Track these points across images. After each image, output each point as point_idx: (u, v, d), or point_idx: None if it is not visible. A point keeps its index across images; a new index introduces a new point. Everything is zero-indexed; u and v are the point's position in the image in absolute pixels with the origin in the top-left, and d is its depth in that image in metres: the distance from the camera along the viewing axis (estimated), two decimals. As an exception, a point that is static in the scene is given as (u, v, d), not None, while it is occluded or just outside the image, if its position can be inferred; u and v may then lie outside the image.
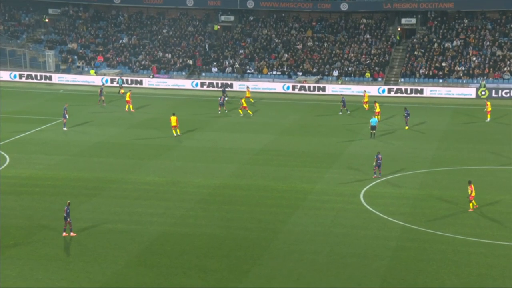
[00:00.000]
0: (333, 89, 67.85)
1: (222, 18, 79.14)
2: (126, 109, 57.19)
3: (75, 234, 32.04)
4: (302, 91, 67.79)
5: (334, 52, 73.38)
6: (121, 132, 51.48)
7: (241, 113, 56.44)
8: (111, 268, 28.88)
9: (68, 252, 30.51)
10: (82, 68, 74.38)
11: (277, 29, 77.64)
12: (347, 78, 70.39)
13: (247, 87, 63.97)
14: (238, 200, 37.29)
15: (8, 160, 43.35)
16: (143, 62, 74.58)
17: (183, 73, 73.41)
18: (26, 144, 47.38)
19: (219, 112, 57.35)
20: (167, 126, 51.67)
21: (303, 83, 68.71)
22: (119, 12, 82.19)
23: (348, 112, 57.98)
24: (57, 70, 74.03)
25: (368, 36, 74.86)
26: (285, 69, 72.07)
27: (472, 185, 35.19)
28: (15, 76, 71.68)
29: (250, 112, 56.79)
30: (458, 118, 57.21)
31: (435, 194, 38.35)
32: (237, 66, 72.62)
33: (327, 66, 71.78)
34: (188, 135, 50.81)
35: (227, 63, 73.81)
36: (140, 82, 70.52)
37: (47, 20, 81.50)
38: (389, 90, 67.29)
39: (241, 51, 75.11)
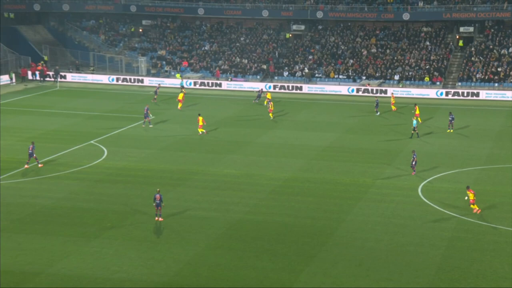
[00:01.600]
0: (394, 91, 66.63)
1: (294, 27, 79.04)
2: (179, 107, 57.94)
3: (162, 219, 32.79)
4: (366, 94, 66.97)
5: (395, 58, 72.08)
6: (191, 130, 52.13)
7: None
8: (193, 250, 29.41)
9: (157, 234, 31.24)
10: (170, 72, 75.83)
11: (344, 37, 76.92)
12: (408, 82, 69.02)
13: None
14: (306, 192, 37.25)
15: (106, 153, 44.69)
16: (222, 67, 75.35)
17: (258, 77, 73.74)
18: (121, 139, 48.71)
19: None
20: (242, 124, 52.11)
21: (366, 86, 67.82)
22: (202, 22, 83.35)
23: (378, 113, 56.59)
24: (148, 74, 75.74)
25: (428, 43, 73.15)
26: (350, 74, 71.33)
27: (471, 190, 33.30)
28: (113, 80, 73.75)
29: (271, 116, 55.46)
30: (512, 119, 55.16)
31: (489, 189, 37.20)
32: (306, 70, 72.42)
33: (389, 70, 70.58)
34: (261, 132, 51.05)
35: (297, 67, 73.68)
36: (220, 85, 71.24)
37: (140, 30, 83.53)
38: (447, 93, 65.56)
39: (310, 57, 74.81)
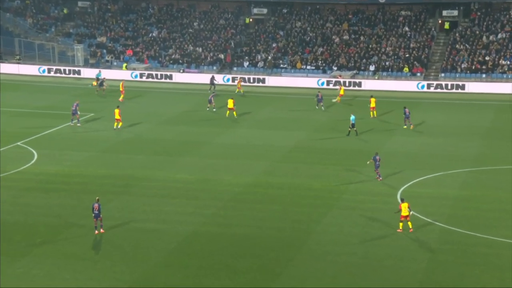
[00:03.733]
0: (369, 84, 67.42)
1: (255, 10, 79.17)
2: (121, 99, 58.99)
3: (103, 231, 32.36)
4: (337, 86, 67.45)
5: (370, 46, 72.87)
6: (150, 128, 51.82)
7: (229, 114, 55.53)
8: (140, 268, 29.10)
9: (96, 251, 30.81)
10: (111, 62, 75.05)
11: (312, 22, 77.37)
12: (384, 73, 69.85)
13: (240, 78, 66.58)
14: (270, 199, 37.28)
15: (36, 156, 43.95)
16: (173, 56, 74.98)
17: (214, 68, 73.62)
18: (54, 140, 47.98)
19: (207, 109, 56.80)
20: (197, 122, 51.95)
21: (338, 78, 68.36)
22: (149, 5, 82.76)
23: (323, 109, 57.51)
24: (86, 64, 74.82)
25: (406, 29, 74.17)
26: (319, 64, 71.79)
27: (405, 204, 32.61)
28: (43, 71, 72.63)
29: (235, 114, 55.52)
30: (502, 115, 56.32)
31: (477, 194, 37.85)
32: (269, 60, 72.59)
33: (364, 60, 71.31)
34: (219, 131, 50.93)
35: (259, 57, 73.81)
36: (170, 77, 70.88)
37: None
38: (429, 86, 66.55)
39: (274, 45, 75.04)
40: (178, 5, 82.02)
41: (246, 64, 73.56)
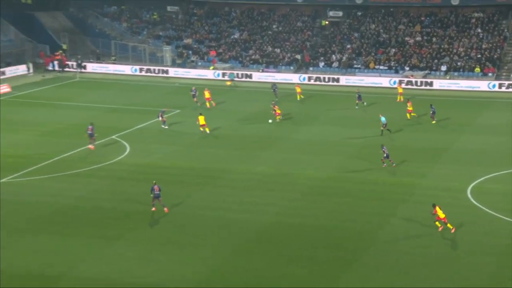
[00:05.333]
0: (440, 84, 66.02)
1: (331, 13, 78.64)
2: (208, 105, 56.51)
3: (167, 211, 33.49)
4: (409, 86, 66.33)
5: (442, 47, 71.22)
6: (231, 124, 52.34)
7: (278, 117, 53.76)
8: (221, 254, 29.51)
9: (183, 237, 31.33)
10: (196, 62, 76.13)
11: (385, 24, 76.26)
12: (456, 73, 68.17)
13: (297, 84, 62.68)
14: (344, 192, 37.07)
15: (128, 149, 45.10)
16: (253, 57, 75.40)
17: (291, 68, 73.61)
18: (145, 134, 49.07)
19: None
20: (275, 118, 52.26)
21: (410, 77, 67.17)
22: (231, 9, 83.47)
23: (365, 104, 56.54)
24: (173, 64, 76.18)
25: (479, 30, 72.10)
26: (392, 64, 70.72)
27: (437, 207, 31.51)
28: (135, 70, 74.37)
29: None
30: None
31: (548, 192, 36.54)
32: (344, 60, 72.02)
33: (435, 61, 69.79)
34: (296, 128, 50.98)
35: (334, 57, 73.34)
36: (250, 76, 71.31)
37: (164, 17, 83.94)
38: (500, 85, 64.50)
39: (349, 46, 74.38)
40: (259, 9, 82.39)
41: (321, 64, 73.21)
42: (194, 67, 74.85)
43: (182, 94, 62.40)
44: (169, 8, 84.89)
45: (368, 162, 42.17)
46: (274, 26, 79.56)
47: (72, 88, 66.70)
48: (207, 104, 56.44)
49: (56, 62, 74.71)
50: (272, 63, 74.24)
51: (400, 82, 65.53)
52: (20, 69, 72.28)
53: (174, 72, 73.15)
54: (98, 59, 77.54)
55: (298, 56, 74.42)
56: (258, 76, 71.04)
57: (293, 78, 69.97)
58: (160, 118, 50.19)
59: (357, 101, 56.80)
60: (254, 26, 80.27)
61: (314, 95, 63.04)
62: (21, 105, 58.47)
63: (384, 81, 67.33)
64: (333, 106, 57.97)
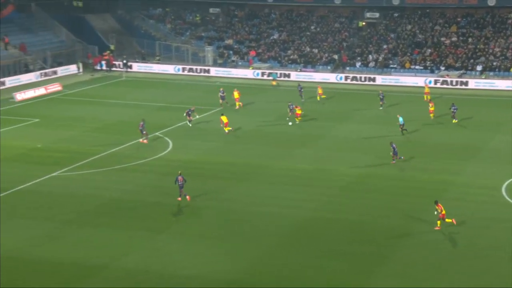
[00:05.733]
0: (476, 83, 64.92)
1: (368, 15, 77.98)
2: (237, 106, 55.75)
3: (189, 199, 34.26)
4: (445, 85, 65.36)
5: (478, 47, 69.96)
6: (270, 121, 52.32)
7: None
8: (260, 247, 29.56)
9: (224, 230, 31.51)
10: (236, 62, 76.34)
11: (421, 25, 75.28)
12: (491, 73, 66.90)
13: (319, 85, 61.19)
14: (380, 189, 36.77)
15: (171, 145, 45.52)
16: (291, 57, 75.26)
17: (328, 67, 73.26)
18: (187, 131, 49.43)
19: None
20: (312, 117, 52.04)
21: (445, 77, 66.18)
22: (271, 10, 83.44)
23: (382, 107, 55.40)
24: (215, 64, 76.54)
25: (515, 31, 70.63)
26: (427, 64, 69.77)
27: (440, 204, 31.04)
28: (178, 70, 74.95)
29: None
30: None
31: None
32: (380, 60, 71.35)
33: (471, 60, 68.60)
34: (333, 125, 50.74)
35: (370, 57, 72.72)
36: (288, 76, 71.20)
37: (207, 18, 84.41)
38: (535, 85, 63.12)
39: (385, 46, 73.64)
40: (298, 10, 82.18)
41: (358, 64, 72.67)
42: (235, 66, 75.06)
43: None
44: (211, 10, 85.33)
45: (408, 157, 41.72)
46: (312, 27, 79.25)
47: (119, 86, 67.61)
48: (236, 104, 55.68)
49: (104, 62, 75.77)
50: (309, 63, 73.99)
51: (436, 82, 64.62)
52: (71, 69, 73.52)
53: (215, 71, 73.50)
54: (143, 59, 78.39)
55: (336, 56, 74.00)
56: (296, 75, 70.85)
57: (330, 77, 69.62)
58: (188, 116, 49.73)
59: (380, 102, 55.85)
60: (293, 27, 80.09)
61: (351, 94, 62.63)
62: (71, 102, 59.51)
63: (420, 80, 66.46)
64: (369, 105, 57.47)
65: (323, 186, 37.24)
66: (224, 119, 47.93)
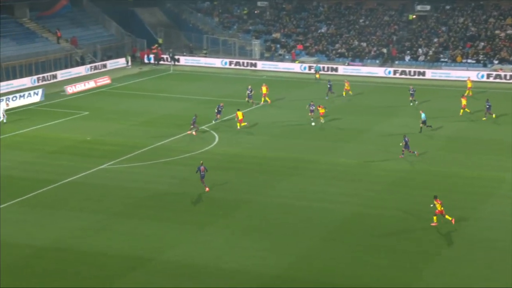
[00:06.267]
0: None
1: (418, 7, 76.69)
2: (262, 101, 54.98)
3: (208, 189, 34.83)
4: (498, 80, 63.70)
5: (533, 40, 67.97)
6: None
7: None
8: (306, 242, 29.39)
9: (269, 224, 31.42)
10: (284, 56, 76.07)
11: (474, 17, 73.51)
12: (547, 67, 64.96)
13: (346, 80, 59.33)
14: (427, 185, 36.09)
15: (217, 139, 45.66)
16: (339, 50, 74.56)
17: (377, 61, 72.31)
18: (233, 125, 49.46)
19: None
20: (359, 111, 51.44)
21: (498, 71, 64.48)
22: (319, 4, 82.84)
23: (416, 102, 53.80)
24: (262, 57, 76.45)
25: None
26: (480, 58, 68.11)
27: (439, 200, 30.39)
28: (225, 63, 75.17)
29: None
30: None
31: None
32: (431, 54, 70.01)
33: (526, 54, 66.73)
34: (380, 120, 50.05)
35: (420, 51, 71.43)
36: (336, 69, 70.57)
37: (255, 11, 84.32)
38: None
39: (436, 40, 72.22)
40: (346, 3, 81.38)
41: (407, 58, 71.50)
42: (282, 60, 74.82)
43: (269, 86, 62.50)
44: (259, 3, 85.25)
45: (454, 154, 40.87)
46: (361, 20, 78.36)
47: (167, 80, 68.23)
48: (262, 100, 54.72)
49: (152, 56, 76.53)
50: (358, 56, 73.19)
51: (489, 76, 63.05)
52: (120, 62, 74.54)
53: (262, 65, 73.42)
54: (191, 52, 78.89)
55: (384, 50, 72.98)
56: (344, 69, 70.17)
57: (379, 71, 68.74)
58: (217, 113, 48.64)
59: (410, 98, 54.40)
60: (341, 20, 79.34)
61: (399, 88, 61.66)
62: (120, 96, 60.34)
63: (472, 74, 64.91)
64: (417, 99, 56.44)
65: (369, 181, 36.79)
66: (239, 114, 47.05)
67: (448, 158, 40.47)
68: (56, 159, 41.02)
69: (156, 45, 78.27)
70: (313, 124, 48.10)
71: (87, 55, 72.83)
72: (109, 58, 74.85)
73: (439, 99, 57.12)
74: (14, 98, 55.39)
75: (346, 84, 57.82)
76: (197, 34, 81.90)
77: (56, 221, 31.54)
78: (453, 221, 30.48)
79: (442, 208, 30.44)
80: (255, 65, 73.88)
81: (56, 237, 29.73)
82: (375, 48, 73.67)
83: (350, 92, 57.75)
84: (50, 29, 72.79)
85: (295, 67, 71.93)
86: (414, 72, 67.40)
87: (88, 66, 70.43)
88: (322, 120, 48.33)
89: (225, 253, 28.36)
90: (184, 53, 78.35)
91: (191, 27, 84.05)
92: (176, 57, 76.12)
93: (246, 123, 47.71)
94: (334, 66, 70.93)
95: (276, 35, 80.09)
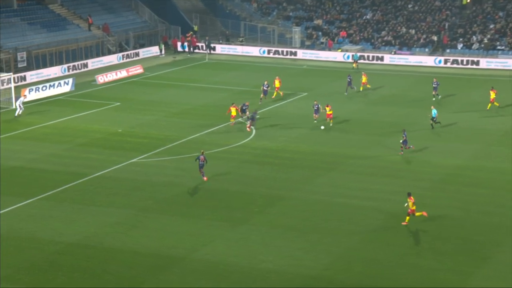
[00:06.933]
0: None
1: (472, -9, 75.46)
2: (274, 95, 54.28)
3: (206, 179, 35.83)
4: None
5: None
6: (360, 108, 51.73)
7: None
8: (345, 241, 29.36)
9: (306, 222, 31.49)
10: (326, 44, 75.73)
11: (534, 1, 72.02)
12: None
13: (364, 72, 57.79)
14: (479, 182, 35.67)
15: (254, 132, 45.82)
16: (385, 38, 73.89)
17: (426, 50, 71.43)
18: (271, 117, 49.57)
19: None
20: (405, 103, 50.97)
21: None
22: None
23: (439, 96, 52.78)
24: (302, 46, 76.27)
25: None
26: (539, 45, 66.77)
27: (412, 198, 30.16)
28: (264, 52, 75.22)
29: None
30: None
31: None
32: (486, 42, 68.83)
33: None
34: (426, 113, 49.46)
35: (474, 38, 70.30)
36: (381, 59, 69.96)
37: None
38: None
39: (492, 26, 70.96)
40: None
41: (460, 46, 70.47)
42: (323, 49, 74.54)
43: (310, 77, 62.56)
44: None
45: (506, 151, 40.22)
46: (409, 6, 77.47)
47: (201, 69, 68.68)
48: (275, 94, 54.13)
49: (186, 44, 77.04)
50: (405, 45, 72.43)
51: None
52: (153, 51, 75.30)
53: (303, 54, 73.27)
54: (227, 40, 79.17)
55: (435, 37, 72.06)
56: (390, 58, 69.53)
57: (428, 60, 67.97)
58: (242, 112, 47.38)
59: (433, 92, 53.21)
60: (388, 6, 78.58)
61: (450, 79, 60.86)
62: (152, 86, 61.02)
63: (530, 63, 63.74)
64: (469, 91, 55.67)
65: (414, 178, 36.52)
66: (233, 111, 45.96)
67: (503, 153, 39.77)
68: (86, 152, 41.77)
69: (191, 32, 78.75)
70: (322, 127, 45.69)
71: (119, 43, 73.70)
72: (142, 46, 75.66)
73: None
74: (44, 88, 56.53)
75: (364, 77, 56.04)
76: (234, 20, 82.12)
77: (84, 216, 32.15)
78: (425, 214, 30.57)
79: (414, 207, 30.40)
80: (295, 54, 73.76)
81: (85, 233, 30.31)
82: (424, 36, 72.77)
83: (368, 86, 56.19)
84: (81, 15, 73.95)
85: (338, 56, 71.57)
86: (467, 61, 66.42)
87: (120, 54, 71.35)
88: (330, 123, 45.94)
89: (259, 252, 28.53)
90: (220, 41, 78.70)
91: (228, 13, 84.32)
92: (212, 45, 76.53)
93: (233, 121, 46.29)
94: (380, 55, 70.35)
95: (318, 21, 79.76)
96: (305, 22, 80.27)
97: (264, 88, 52.92)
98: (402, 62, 68.32)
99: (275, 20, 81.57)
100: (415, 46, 72.16)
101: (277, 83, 54.54)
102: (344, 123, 47.59)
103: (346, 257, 28.07)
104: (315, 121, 46.64)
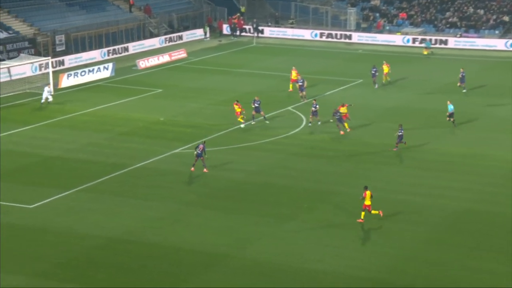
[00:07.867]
0: None
1: (549, -34, 73.79)
2: (290, 88, 53.00)
3: (207, 171, 36.08)
4: None
5: None
6: (418, 98, 51.29)
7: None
8: (400, 242, 29.32)
9: (356, 220, 31.47)
10: (384, 27, 75.14)
11: None
12: None
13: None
14: (551, 180, 35.11)
15: (304, 122, 45.90)
16: (450, 20, 72.88)
17: (496, 32, 70.21)
18: (323, 106, 49.48)
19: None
20: (470, 92, 50.36)
21: None
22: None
23: (464, 90, 51.50)
24: (358, 28, 75.85)
25: None
26: None
27: (368, 192, 30.53)
28: (316, 35, 75.10)
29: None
30: None
31: None
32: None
33: None
34: (495, 102, 48.79)
35: (549, 20, 68.86)
36: (445, 42, 69.11)
37: None
38: None
39: None
40: (459, -36, 79.28)
41: (533, 28, 69.16)
42: (381, 32, 73.97)
43: (365, 62, 62.12)
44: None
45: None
46: (478, -17, 76.27)
47: (248, 53, 69.04)
48: (291, 86, 52.89)
49: (232, 26, 77.39)
50: (473, 27, 71.31)
51: None
52: (197, 34, 75.88)
53: (358, 37, 72.94)
54: (277, 23, 79.27)
55: (506, 18, 70.75)
56: (455, 42, 68.60)
57: (498, 44, 66.94)
58: (255, 110, 45.57)
59: (459, 84, 51.91)
60: (453, -16, 77.49)
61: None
62: (197, 71, 61.64)
63: None
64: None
65: (481, 173, 36.22)
66: (236, 108, 44.54)
67: None
68: (126, 141, 42.54)
69: (238, 14, 79.13)
70: (342, 133, 43.13)
71: (161, 25, 74.43)
72: (186, 28, 76.29)
73: None
74: (83, 73, 57.66)
75: (385, 67, 54.36)
76: (284, 1, 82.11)
77: (124, 210, 32.83)
78: (380, 213, 30.69)
79: (370, 203, 30.38)
80: (349, 37, 73.46)
81: (125, 227, 30.94)
82: (494, 16, 71.54)
83: (388, 78, 54.64)
84: (122, -5, 75.04)
85: (397, 39, 71.01)
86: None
87: (163, 37, 72.06)
88: (346, 128, 43.29)
89: (308, 251, 28.73)
90: (269, 24, 78.86)
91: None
92: (260, 28, 76.73)
93: (243, 121, 44.64)
94: (444, 39, 69.53)
95: (375, 2, 79.18)
96: (361, 2, 79.76)
97: (300, 84, 51.01)
98: (468, 46, 67.38)
99: (329, 0, 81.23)
100: (483, 28, 70.96)
101: (294, 75, 52.81)
102: (401, 113, 47.19)
103: (407, 259, 27.96)
104: (310, 124, 44.68)
